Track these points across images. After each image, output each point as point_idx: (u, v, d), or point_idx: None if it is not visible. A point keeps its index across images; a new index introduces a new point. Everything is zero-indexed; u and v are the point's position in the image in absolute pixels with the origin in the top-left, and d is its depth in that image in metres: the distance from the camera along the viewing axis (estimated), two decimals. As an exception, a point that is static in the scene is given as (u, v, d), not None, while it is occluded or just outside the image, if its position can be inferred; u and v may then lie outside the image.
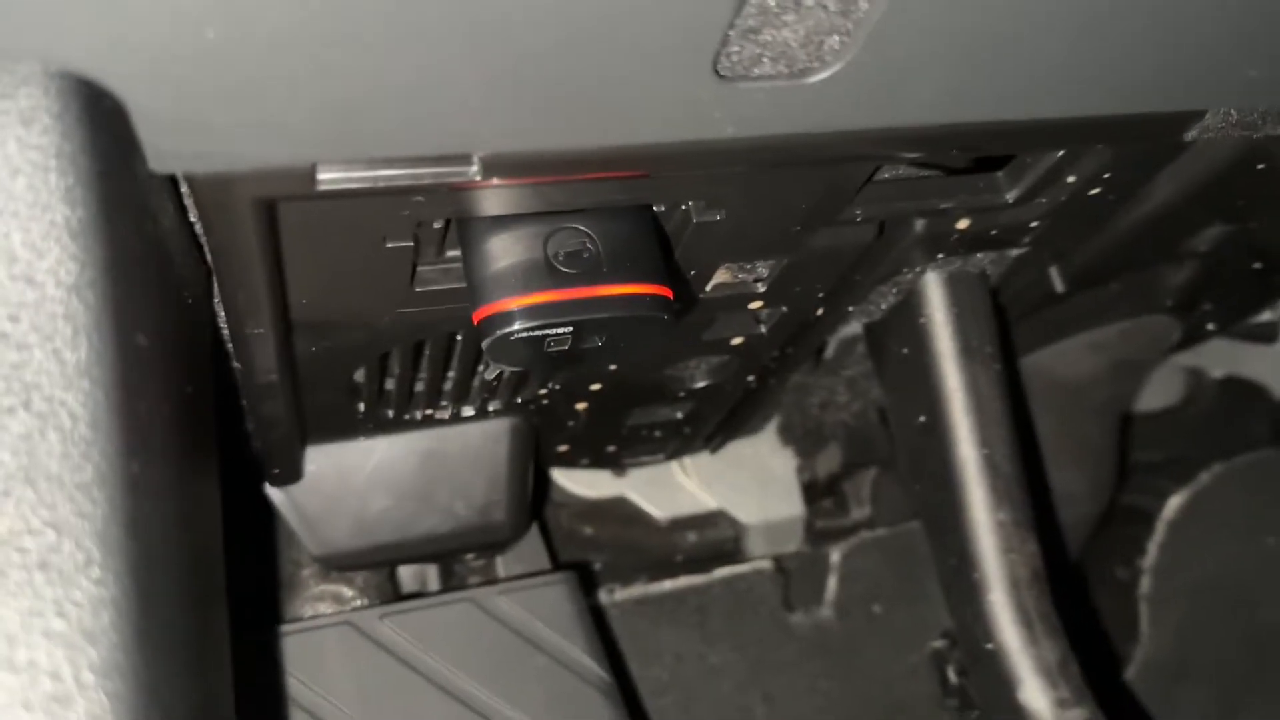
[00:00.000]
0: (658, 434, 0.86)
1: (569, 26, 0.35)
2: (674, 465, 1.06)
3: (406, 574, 0.82)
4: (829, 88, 0.41)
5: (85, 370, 0.32)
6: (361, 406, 0.67)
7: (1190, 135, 0.53)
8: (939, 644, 0.95)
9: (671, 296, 0.52)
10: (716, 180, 0.50)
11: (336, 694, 0.69)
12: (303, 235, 0.47)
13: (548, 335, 0.50)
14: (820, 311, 0.72)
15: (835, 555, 1.03)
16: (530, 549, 0.85)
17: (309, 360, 0.58)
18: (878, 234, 0.62)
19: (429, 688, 0.71)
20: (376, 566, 0.77)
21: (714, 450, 1.00)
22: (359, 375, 0.63)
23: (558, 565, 0.87)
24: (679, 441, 0.91)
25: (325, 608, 0.75)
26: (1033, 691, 0.68)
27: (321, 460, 0.72)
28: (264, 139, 0.37)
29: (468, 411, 0.72)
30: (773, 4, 0.38)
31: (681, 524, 1.04)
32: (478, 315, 0.49)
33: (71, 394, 0.32)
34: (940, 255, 0.67)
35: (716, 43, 0.38)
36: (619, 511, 1.02)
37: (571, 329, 0.50)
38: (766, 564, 1.01)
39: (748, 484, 1.07)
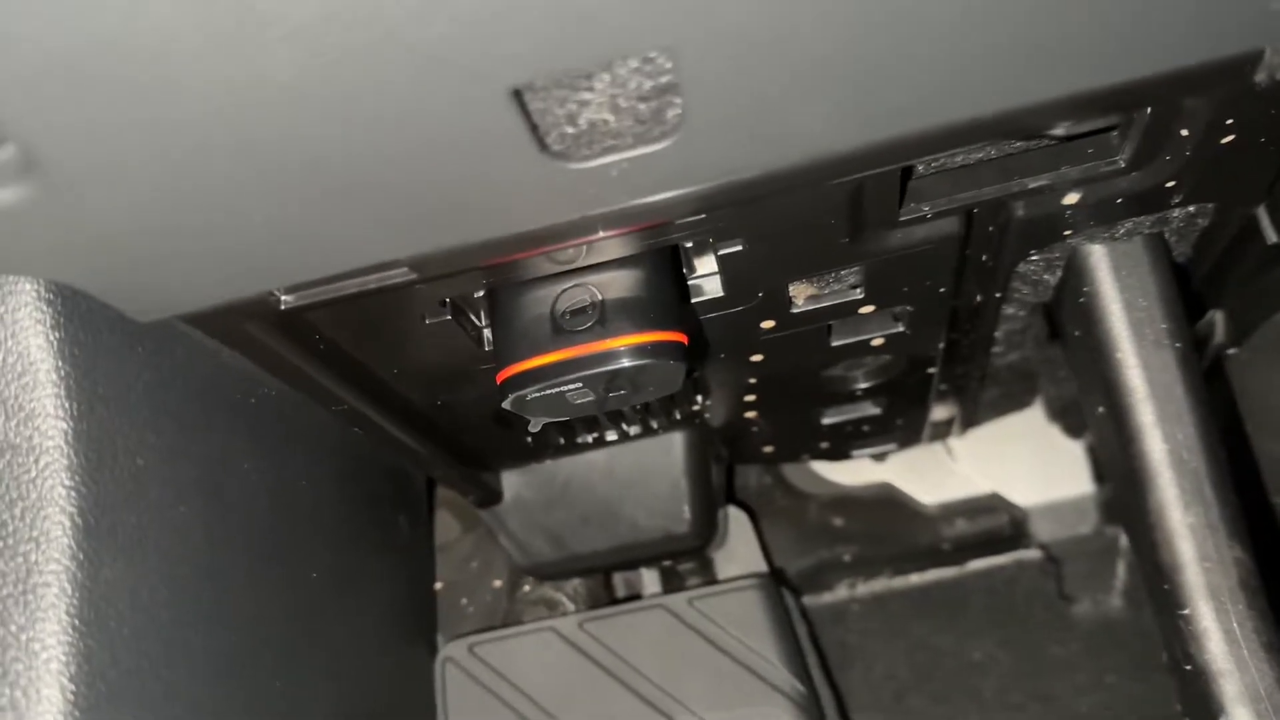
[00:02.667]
0: (866, 428, 0.84)
1: (383, 160, 0.38)
2: (940, 446, 1.01)
3: (620, 576, 0.88)
4: (690, 147, 0.40)
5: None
6: (528, 439, 0.73)
7: (1261, 78, 0.43)
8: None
9: (681, 339, 0.52)
10: (703, 222, 0.49)
11: (538, 694, 0.76)
12: (347, 328, 0.54)
13: (563, 391, 0.53)
14: (976, 298, 0.67)
15: (1125, 538, 0.93)
16: (747, 551, 0.87)
17: (440, 411, 0.66)
18: (965, 224, 0.56)
19: (623, 691, 0.76)
20: (577, 576, 0.84)
21: (963, 430, 0.94)
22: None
23: (772, 563, 0.88)
24: (902, 431, 0.87)
25: (541, 612, 0.83)
26: (1237, 722, 0.58)
27: (517, 482, 0.80)
28: (218, 283, 0.45)
29: (634, 431, 0.76)
30: (582, 125, 0.38)
31: (952, 510, 0.99)
32: (499, 379, 0.54)
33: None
34: (1072, 231, 0.59)
35: (535, 145, 0.38)
36: (879, 499, 1.00)
37: (582, 384, 0.52)
38: (1034, 553, 0.93)
39: (1027, 462, 0.99)
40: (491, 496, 0.79)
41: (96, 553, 0.42)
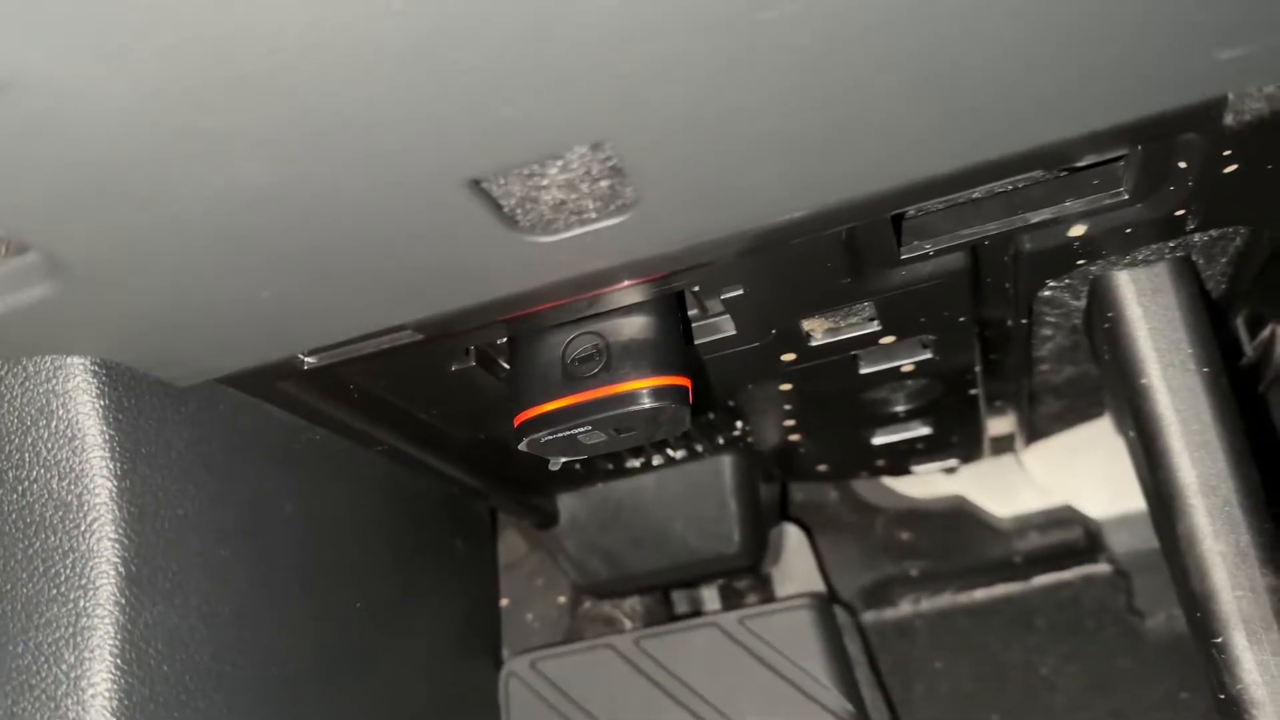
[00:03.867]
0: (921, 445, 0.84)
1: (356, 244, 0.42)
2: (1011, 458, 1.00)
3: (682, 591, 0.91)
4: (650, 217, 0.42)
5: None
6: (577, 465, 0.77)
7: (1229, 120, 0.43)
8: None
9: (685, 382, 0.55)
10: (697, 271, 0.51)
11: (596, 708, 0.80)
12: (378, 379, 0.59)
13: (574, 433, 0.56)
14: (1007, 322, 0.67)
15: (1202, 552, 0.90)
16: (804, 568, 0.88)
17: (484, 444, 0.70)
18: (971, 258, 0.57)
19: (676, 707, 0.79)
20: (632, 594, 0.87)
21: (1026, 444, 0.93)
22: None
23: (829, 581, 0.89)
24: (960, 448, 0.87)
25: (600, 628, 0.86)
26: (1269, 756, 0.57)
27: (572, 505, 0.83)
28: (243, 350, 0.49)
29: (679, 455, 0.79)
30: (545, 204, 0.41)
31: (1026, 523, 0.98)
32: (515, 423, 0.57)
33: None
34: (1087, 260, 0.59)
35: (501, 224, 0.41)
36: (949, 512, 0.99)
37: (591, 426, 0.55)
38: (1104, 567, 0.91)
39: (1100, 473, 0.97)
40: (548, 519, 0.83)
41: (138, 598, 0.47)
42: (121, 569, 0.46)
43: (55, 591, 0.46)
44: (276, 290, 0.44)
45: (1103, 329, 0.63)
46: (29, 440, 0.48)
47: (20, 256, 0.41)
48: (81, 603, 0.46)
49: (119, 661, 0.45)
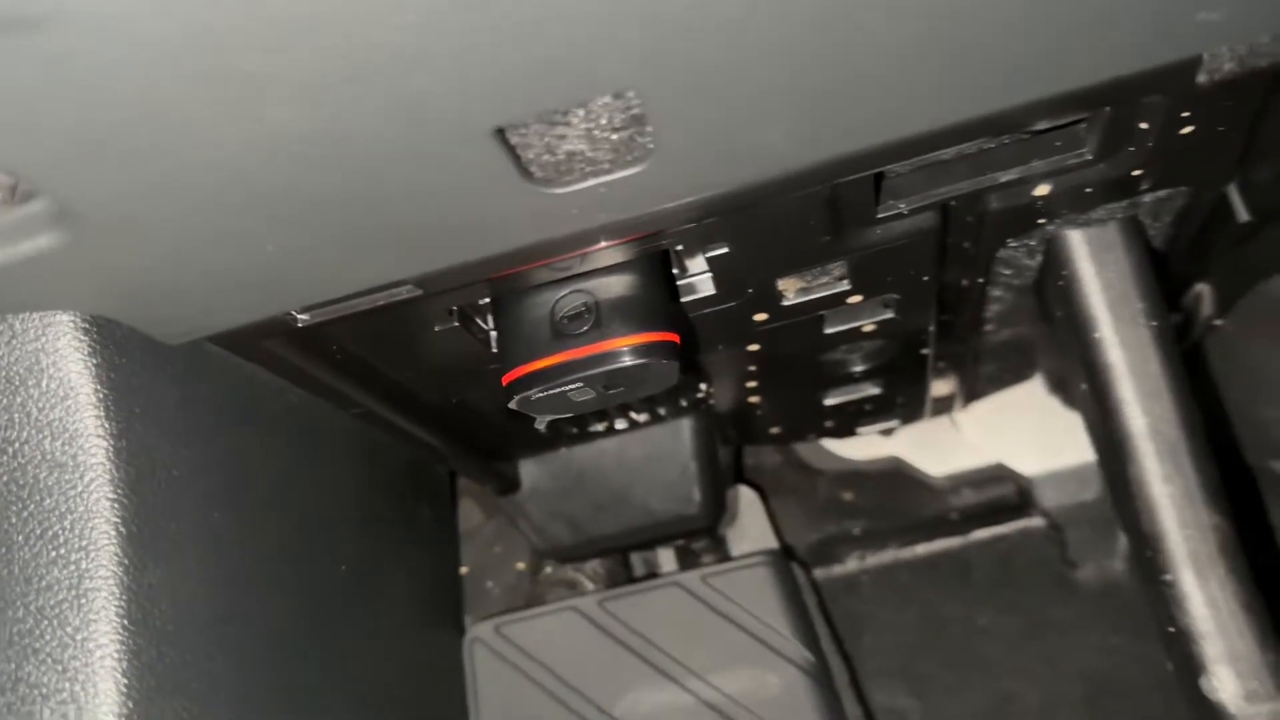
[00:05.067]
0: (869, 406, 0.87)
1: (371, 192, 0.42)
2: (946, 419, 1.04)
3: (638, 554, 0.92)
4: (664, 169, 0.43)
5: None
6: (542, 429, 0.77)
7: (1202, 79, 0.46)
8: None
9: (674, 339, 0.56)
10: (688, 229, 0.52)
11: (562, 669, 0.81)
12: (362, 339, 0.58)
13: (564, 391, 0.56)
14: (962, 282, 0.70)
15: (1127, 504, 0.95)
16: (758, 528, 0.90)
17: (455, 408, 0.70)
18: (941, 217, 0.59)
19: (642, 665, 0.80)
20: (594, 557, 0.88)
21: (965, 404, 0.97)
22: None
23: (783, 539, 0.91)
24: (904, 408, 0.90)
25: (562, 592, 0.87)
26: (1217, 680, 0.61)
27: (534, 471, 0.84)
28: (238, 307, 0.49)
29: (642, 418, 0.80)
30: (561, 155, 0.42)
31: (959, 481, 1.02)
32: (504, 381, 0.57)
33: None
34: (1046, 219, 0.62)
35: (519, 174, 0.42)
36: (887, 472, 1.03)
37: (582, 383, 0.56)
38: (1037, 521, 0.96)
39: (1029, 432, 1.01)
40: (510, 485, 0.83)
41: (140, 558, 0.46)
42: (123, 529, 0.45)
43: (55, 554, 0.45)
44: (283, 243, 0.44)
45: (1056, 286, 0.66)
46: (18, 400, 0.46)
47: (26, 205, 0.40)
48: (83, 564, 0.45)
49: (125, 623, 0.44)
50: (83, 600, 0.44)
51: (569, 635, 0.82)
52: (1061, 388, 0.97)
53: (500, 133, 0.40)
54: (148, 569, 0.46)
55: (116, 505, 0.46)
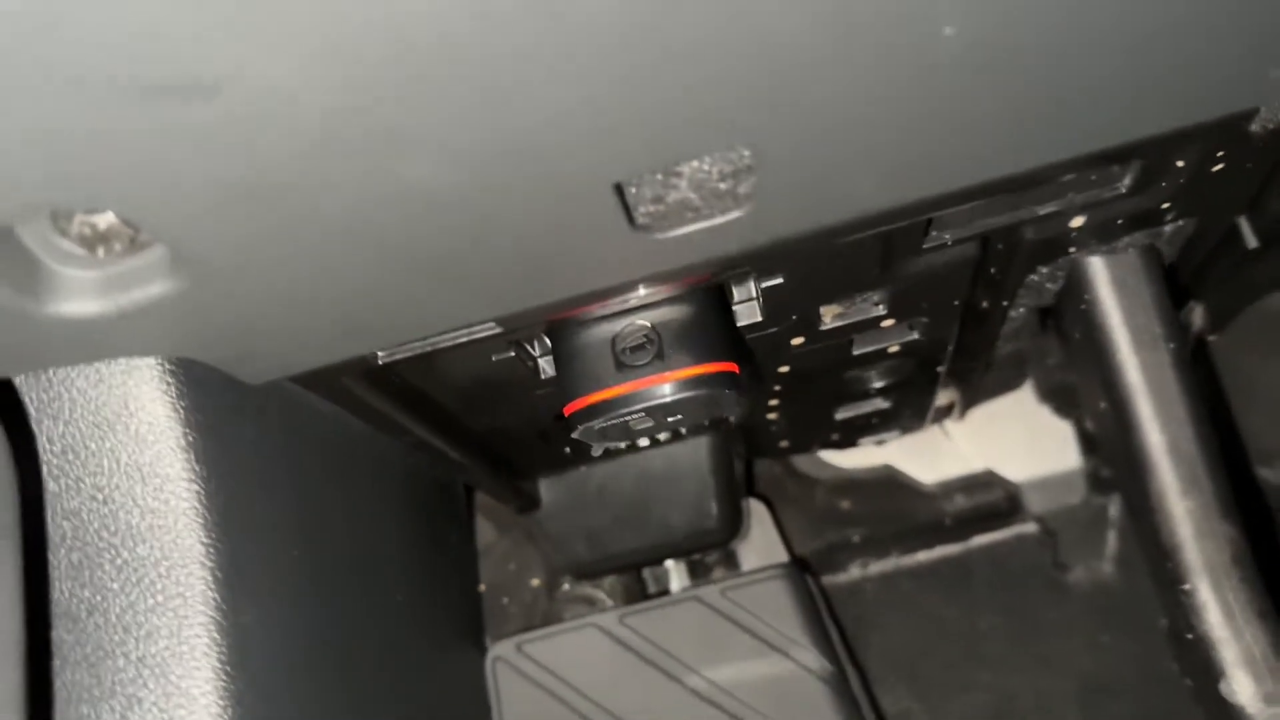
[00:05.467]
0: (876, 420, 0.89)
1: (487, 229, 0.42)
2: (937, 428, 1.07)
3: (648, 569, 0.93)
4: (759, 214, 0.44)
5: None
6: (568, 450, 0.78)
7: (1255, 128, 0.49)
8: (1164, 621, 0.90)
9: (734, 368, 0.57)
10: (752, 263, 0.54)
11: (586, 686, 0.82)
12: (426, 372, 0.59)
13: (626, 421, 0.57)
14: (983, 304, 0.72)
15: (1114, 509, 0.99)
16: (766, 540, 0.92)
17: (492, 431, 0.71)
18: (981, 247, 0.61)
19: (665, 680, 0.81)
20: (613, 573, 0.89)
21: (962, 414, 1.00)
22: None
23: (792, 550, 0.93)
24: (907, 420, 0.93)
25: (581, 608, 0.88)
26: (1236, 684, 0.65)
27: (554, 487, 0.85)
28: (329, 348, 0.49)
29: (663, 437, 0.81)
30: (668, 203, 0.43)
31: (951, 487, 1.05)
32: (565, 411, 0.58)
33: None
34: (1074, 248, 0.65)
35: (626, 222, 0.43)
36: (881, 480, 1.05)
37: (645, 413, 0.57)
38: (1031, 527, 0.99)
39: (1017, 439, 1.05)
40: (531, 503, 0.84)
41: (234, 602, 0.46)
42: (218, 573, 0.45)
43: (153, 601, 0.45)
44: (388, 287, 0.44)
45: (1079, 310, 0.69)
46: (108, 445, 0.46)
47: (142, 253, 0.40)
48: (182, 611, 0.45)
49: (227, 669, 0.44)
50: (184, 648, 0.44)
51: (591, 652, 0.83)
52: (1053, 397, 1.00)
53: (619, 185, 0.41)
54: (241, 612, 0.46)
55: (211, 550, 0.46)
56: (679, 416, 0.58)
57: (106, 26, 0.28)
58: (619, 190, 0.41)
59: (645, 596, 0.91)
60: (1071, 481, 1.03)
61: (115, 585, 0.45)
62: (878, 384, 0.81)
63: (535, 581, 0.91)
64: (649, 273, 0.48)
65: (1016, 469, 1.05)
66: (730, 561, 0.93)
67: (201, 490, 0.46)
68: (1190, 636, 0.67)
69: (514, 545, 0.92)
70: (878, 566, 0.99)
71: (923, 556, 0.99)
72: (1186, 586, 0.67)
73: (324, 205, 0.37)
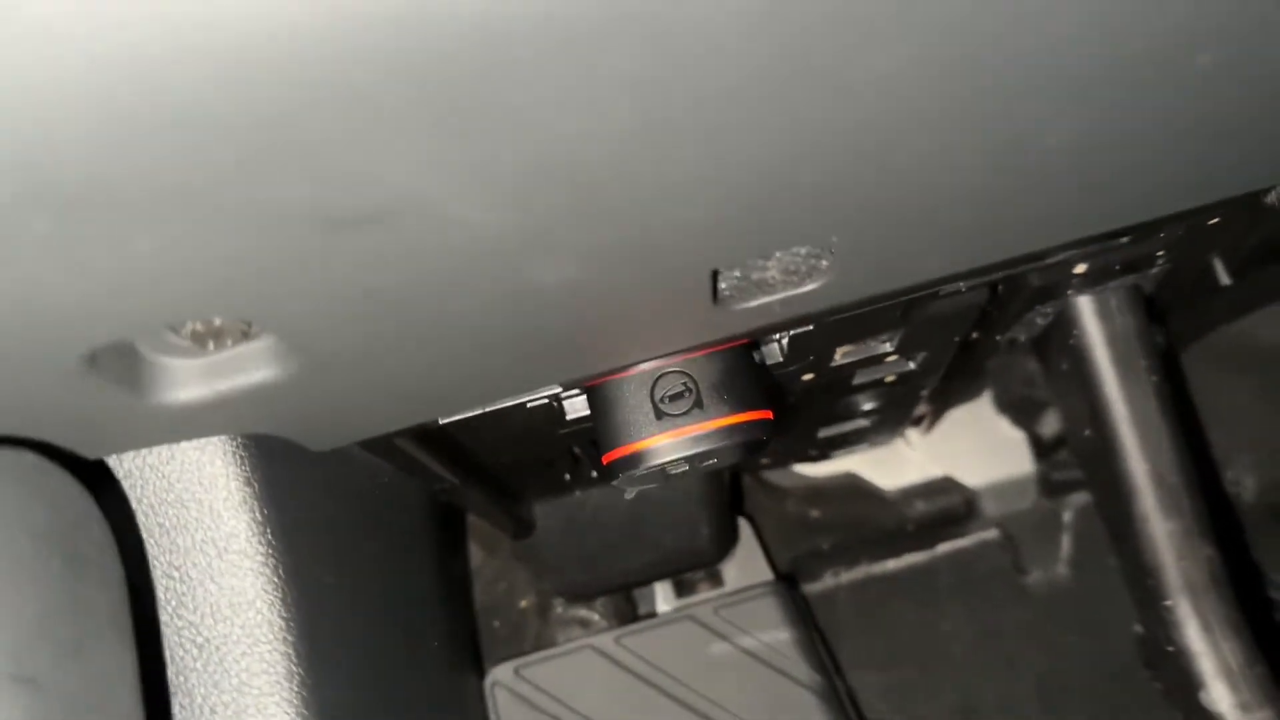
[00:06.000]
0: (852, 436, 0.92)
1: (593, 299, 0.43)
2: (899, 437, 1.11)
3: (641, 590, 0.95)
4: (830, 286, 0.46)
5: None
6: (567, 477, 0.79)
7: (1271, 199, 0.52)
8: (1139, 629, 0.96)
9: (768, 415, 0.59)
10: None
11: (585, 708, 0.83)
12: (475, 428, 0.59)
13: (665, 467, 0.59)
14: (974, 335, 0.75)
15: (1068, 514, 1.05)
16: (751, 558, 0.95)
17: (505, 467, 0.71)
18: (991, 293, 0.64)
19: (662, 699, 0.83)
20: (606, 594, 0.91)
21: (930, 426, 1.04)
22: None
23: (775, 566, 0.96)
24: (880, 434, 0.96)
25: (574, 630, 0.90)
26: (1214, 694, 0.70)
27: (550, 513, 0.85)
28: (398, 417, 0.49)
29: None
30: (750, 280, 0.44)
31: (911, 494, 1.09)
32: (605, 459, 0.59)
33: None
34: (1071, 290, 0.68)
35: (710, 299, 0.44)
36: (846, 489, 1.09)
37: (683, 460, 0.59)
38: (993, 533, 1.04)
39: (973, 447, 1.10)
40: (526, 528, 0.85)
41: (317, 677, 0.46)
42: (300, 647, 0.46)
43: (237, 681, 0.44)
44: (474, 365, 0.44)
45: (1067, 344, 0.73)
46: (182, 522, 0.45)
47: (251, 342, 0.39)
48: (267, 689, 0.45)
49: (315, 745, 0.45)
50: (273, 726, 0.44)
51: (589, 673, 0.84)
52: (1009, 409, 1.05)
53: (714, 272, 0.42)
54: (323, 685, 0.46)
55: (291, 624, 0.46)
56: (714, 461, 0.60)
57: (319, 172, 0.28)
58: (714, 274, 0.42)
59: (635, 616, 0.93)
60: (1024, 486, 1.08)
61: (198, 664, 0.44)
62: (865, 406, 0.84)
63: (524, 603, 0.91)
64: (718, 337, 0.50)
65: (973, 475, 1.09)
66: (715, 578, 0.95)
67: (279, 564, 0.46)
68: (1171, 649, 0.72)
69: (502, 567, 0.92)
70: (849, 575, 1.02)
71: (891, 565, 1.03)
72: (1168, 603, 0.71)
73: (452, 306, 0.38)
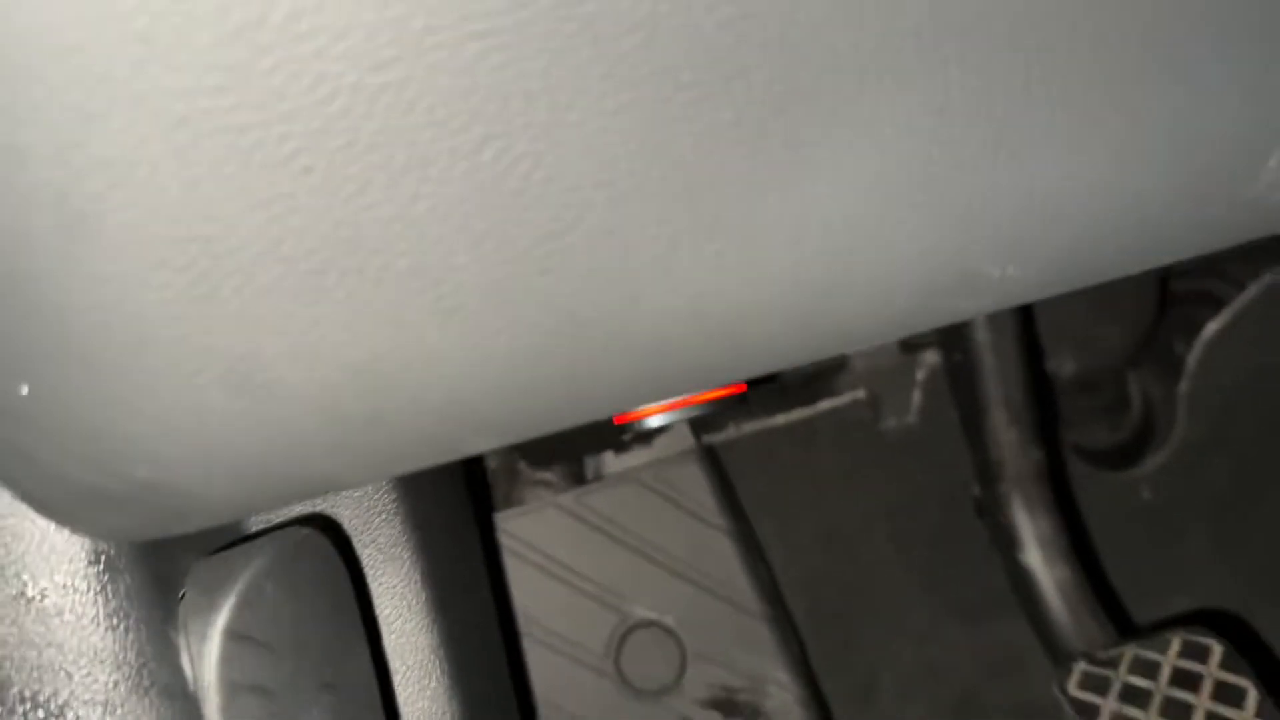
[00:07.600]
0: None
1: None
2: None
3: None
4: None
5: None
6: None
7: None
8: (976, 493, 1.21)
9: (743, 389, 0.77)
10: None
11: (555, 553, 1.04)
12: None
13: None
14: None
15: (921, 373, 1.29)
16: (679, 429, 1.15)
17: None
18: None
19: (614, 545, 1.05)
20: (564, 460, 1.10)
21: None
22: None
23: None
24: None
25: (540, 490, 1.09)
26: (1029, 555, 0.96)
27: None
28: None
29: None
30: None
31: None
32: (616, 421, 0.77)
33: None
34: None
35: None
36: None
37: (680, 419, 0.77)
38: (862, 394, 1.28)
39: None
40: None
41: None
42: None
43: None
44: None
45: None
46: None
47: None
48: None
49: None
50: None
51: (554, 526, 1.05)
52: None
53: None
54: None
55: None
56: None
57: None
58: None
59: (583, 479, 1.13)
60: (888, 348, 1.31)
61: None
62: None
63: (493, 464, 1.10)
64: None
65: (848, 339, 1.31)
66: (645, 440, 1.15)
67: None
68: (1001, 519, 0.97)
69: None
70: (749, 426, 1.24)
71: (780, 419, 1.26)
72: (1003, 487, 0.96)
73: None
